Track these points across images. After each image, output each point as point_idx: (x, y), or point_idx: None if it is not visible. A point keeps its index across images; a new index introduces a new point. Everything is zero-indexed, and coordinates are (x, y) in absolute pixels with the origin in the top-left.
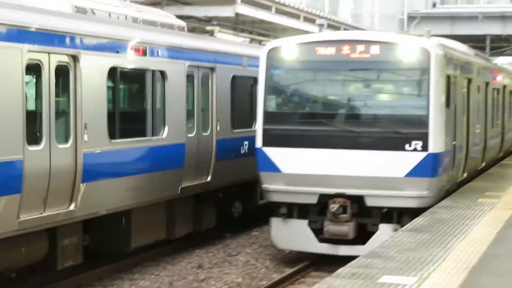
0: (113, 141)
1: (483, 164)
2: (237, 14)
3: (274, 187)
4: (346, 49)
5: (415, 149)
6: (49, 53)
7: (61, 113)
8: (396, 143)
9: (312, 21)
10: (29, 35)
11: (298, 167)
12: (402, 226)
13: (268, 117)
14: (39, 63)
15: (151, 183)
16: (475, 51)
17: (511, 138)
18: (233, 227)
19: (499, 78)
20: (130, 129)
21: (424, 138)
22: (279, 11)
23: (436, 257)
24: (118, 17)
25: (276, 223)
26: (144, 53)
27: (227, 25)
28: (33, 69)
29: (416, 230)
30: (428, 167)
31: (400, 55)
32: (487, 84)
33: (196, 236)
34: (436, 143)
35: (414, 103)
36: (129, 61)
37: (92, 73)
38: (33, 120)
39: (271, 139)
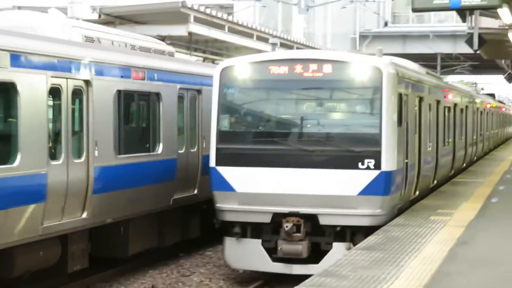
0: (119, 156)
1: (435, 182)
2: (190, 33)
3: (227, 207)
4: (299, 68)
5: (368, 168)
6: (67, 79)
7: (77, 131)
8: (349, 162)
9: (265, 40)
10: (52, 63)
11: (252, 186)
12: (355, 245)
13: (222, 136)
14: (59, 87)
15: (148, 194)
16: (426, 70)
17: (462, 156)
18: (187, 246)
19: (450, 96)
20: (133, 145)
21: (376, 156)
22: (232, 30)
23: (389, 275)
24: (119, 45)
25: (229, 242)
26: (143, 77)
27: (180, 44)
28: (54, 92)
29: (369, 249)
30: (380, 186)
31: (352, 74)
32: (438, 102)
33: (150, 256)
34: (389, 161)
35: (366, 122)
36: (131, 84)
37: (102, 95)
38: (54, 137)
39: (224, 158)
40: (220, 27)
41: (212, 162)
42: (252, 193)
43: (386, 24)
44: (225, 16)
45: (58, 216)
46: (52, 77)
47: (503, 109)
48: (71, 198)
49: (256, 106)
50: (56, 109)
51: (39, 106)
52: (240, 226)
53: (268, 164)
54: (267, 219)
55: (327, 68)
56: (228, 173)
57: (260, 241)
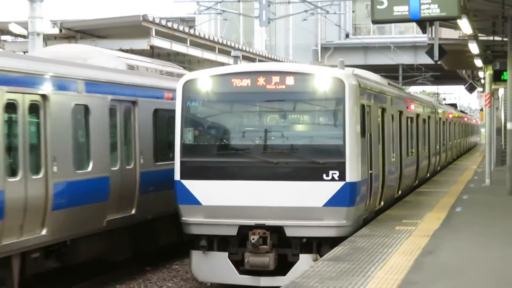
0: (157, 163)
1: (400, 192)
2: (152, 47)
3: (193, 220)
4: (261, 81)
5: (332, 179)
6: (120, 101)
7: (128, 144)
8: (313, 173)
9: (227, 53)
10: (112, 87)
11: (217, 199)
12: (322, 256)
13: (186, 149)
14: (115, 108)
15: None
16: (388, 81)
17: (426, 166)
18: (153, 260)
19: (413, 107)
20: (169, 155)
21: (341, 167)
22: (194, 43)
23: (356, 285)
24: (151, 71)
25: (196, 255)
26: (172, 98)
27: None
28: (113, 112)
29: (336, 259)
30: (345, 197)
31: (314, 86)
32: (401, 113)
33: (116, 271)
34: (353, 172)
35: (330, 133)
36: (163, 104)
37: (145, 114)
38: (112, 148)
39: (189, 172)
40: (182, 40)
41: (177, 175)
42: (217, 206)
43: (347, 35)
44: (186, 29)
45: (116, 212)
46: (111, 99)
47: (465, 119)
48: (123, 196)
49: (219, 119)
50: (114, 124)
51: (104, 122)
52: (207, 239)
53: (233, 176)
54: (233, 231)
55: (290, 80)
56: (193, 186)
57: (227, 254)
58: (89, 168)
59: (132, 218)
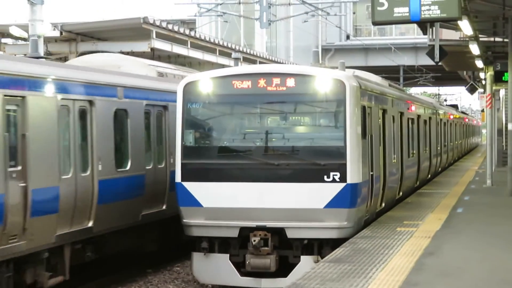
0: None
1: (401, 194)
2: (152, 49)
3: (194, 222)
4: (262, 82)
5: (333, 180)
6: (153, 105)
7: (159, 145)
8: (314, 175)
9: (228, 54)
10: (147, 93)
11: (218, 201)
12: (323, 257)
13: (187, 151)
14: (150, 112)
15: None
16: (389, 82)
17: (427, 167)
18: (155, 262)
19: (414, 108)
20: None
21: (341, 169)
22: (194, 45)
23: (358, 287)
24: (177, 78)
25: (197, 257)
26: None
27: None
28: (147, 115)
29: (337, 261)
30: (346, 198)
31: (315, 87)
32: (401, 114)
33: (118, 273)
34: (354, 173)
35: (330, 135)
36: None
37: (174, 117)
38: (147, 148)
39: (190, 174)
40: (183, 42)
41: (178, 177)
42: (218, 207)
43: (348, 37)
44: (187, 32)
45: (150, 208)
46: (146, 104)
47: (466, 120)
48: (154, 193)
49: (220, 121)
50: (148, 127)
51: (140, 125)
52: (208, 241)
53: (234, 178)
54: (234, 233)
55: (290, 82)
56: (194, 188)
57: (228, 255)
58: (128, 167)
59: (163, 213)
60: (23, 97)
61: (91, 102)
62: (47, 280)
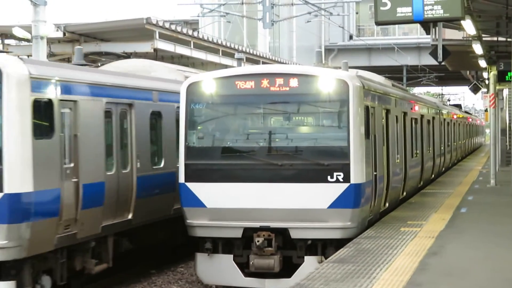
0: None
1: (404, 194)
2: (155, 50)
3: (198, 222)
4: (265, 83)
5: (337, 180)
6: (177, 106)
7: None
8: (318, 175)
9: (231, 55)
10: (177, 96)
11: (222, 202)
12: (327, 258)
13: (190, 152)
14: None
15: None
16: (392, 82)
17: (430, 167)
18: (158, 263)
19: (417, 108)
20: None
21: (345, 169)
22: (197, 46)
23: (361, 287)
24: None
25: (201, 258)
26: None
27: None
28: (178, 118)
29: (341, 261)
30: (350, 198)
31: (318, 87)
32: (405, 114)
33: (121, 274)
34: (357, 174)
35: (334, 135)
36: None
37: None
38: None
39: (193, 174)
40: (186, 43)
41: (181, 178)
42: (222, 208)
43: (351, 37)
44: (190, 32)
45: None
46: (176, 107)
47: (470, 120)
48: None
49: (223, 121)
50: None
51: (172, 126)
52: (211, 241)
53: (237, 179)
54: (238, 234)
55: (294, 82)
56: (198, 189)
57: (231, 256)
58: (161, 165)
59: None
60: (75, 101)
61: (130, 105)
62: (94, 267)
